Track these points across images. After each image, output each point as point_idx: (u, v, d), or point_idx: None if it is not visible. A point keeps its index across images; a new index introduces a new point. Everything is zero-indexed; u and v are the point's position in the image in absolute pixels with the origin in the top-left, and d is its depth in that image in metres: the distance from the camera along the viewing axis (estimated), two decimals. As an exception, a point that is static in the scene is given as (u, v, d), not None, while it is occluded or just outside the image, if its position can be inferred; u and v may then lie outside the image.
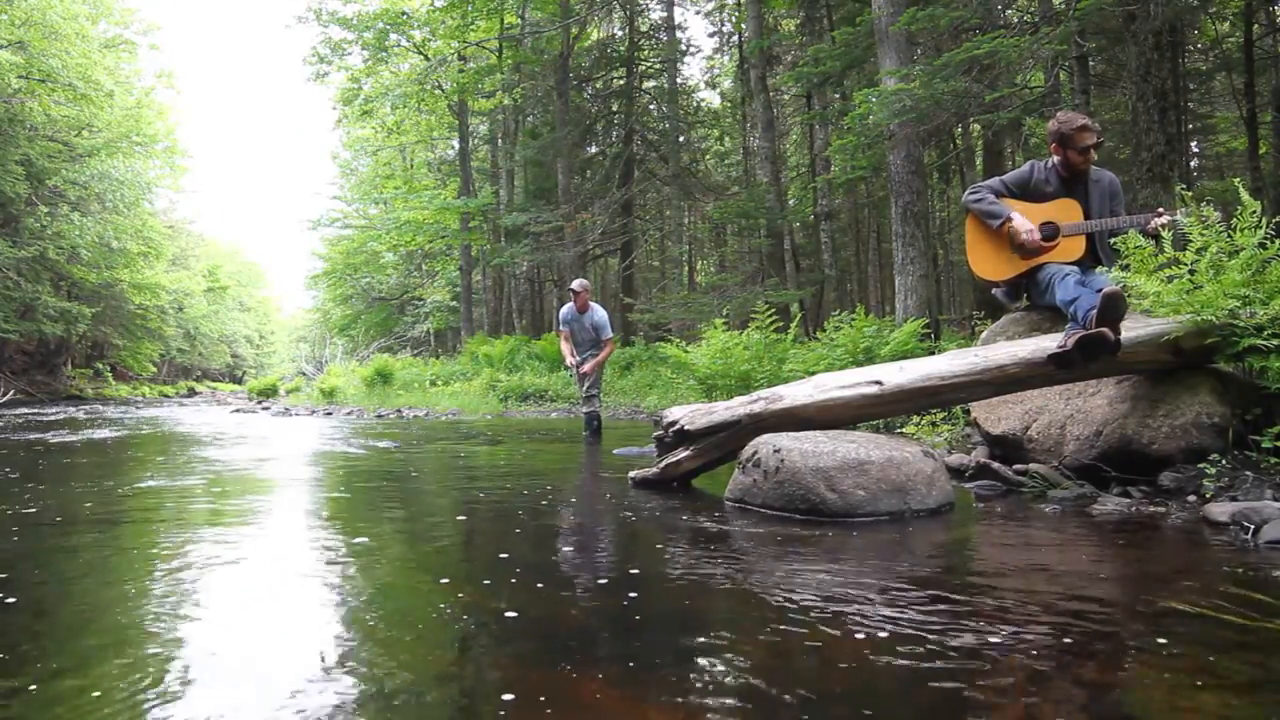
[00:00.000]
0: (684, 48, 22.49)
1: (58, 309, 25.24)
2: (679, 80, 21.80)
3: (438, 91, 22.10)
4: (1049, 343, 3.15)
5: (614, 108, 22.11)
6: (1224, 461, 2.91)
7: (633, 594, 1.95)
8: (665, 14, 21.16)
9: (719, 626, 1.67)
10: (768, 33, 16.72)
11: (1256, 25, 11.29)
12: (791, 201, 18.77)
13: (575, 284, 6.81)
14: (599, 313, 6.81)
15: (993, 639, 1.53)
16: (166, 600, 1.87)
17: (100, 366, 33.88)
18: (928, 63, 8.51)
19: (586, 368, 6.72)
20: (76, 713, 1.25)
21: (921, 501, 2.85)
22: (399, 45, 21.78)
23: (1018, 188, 3.70)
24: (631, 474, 3.76)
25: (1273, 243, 3.02)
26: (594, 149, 22.85)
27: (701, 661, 1.45)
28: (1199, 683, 1.33)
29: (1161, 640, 1.53)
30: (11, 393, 22.17)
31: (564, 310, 6.95)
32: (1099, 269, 3.46)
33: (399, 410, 13.14)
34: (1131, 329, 3.10)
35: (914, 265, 9.21)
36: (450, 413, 12.62)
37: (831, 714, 1.21)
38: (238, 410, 15.95)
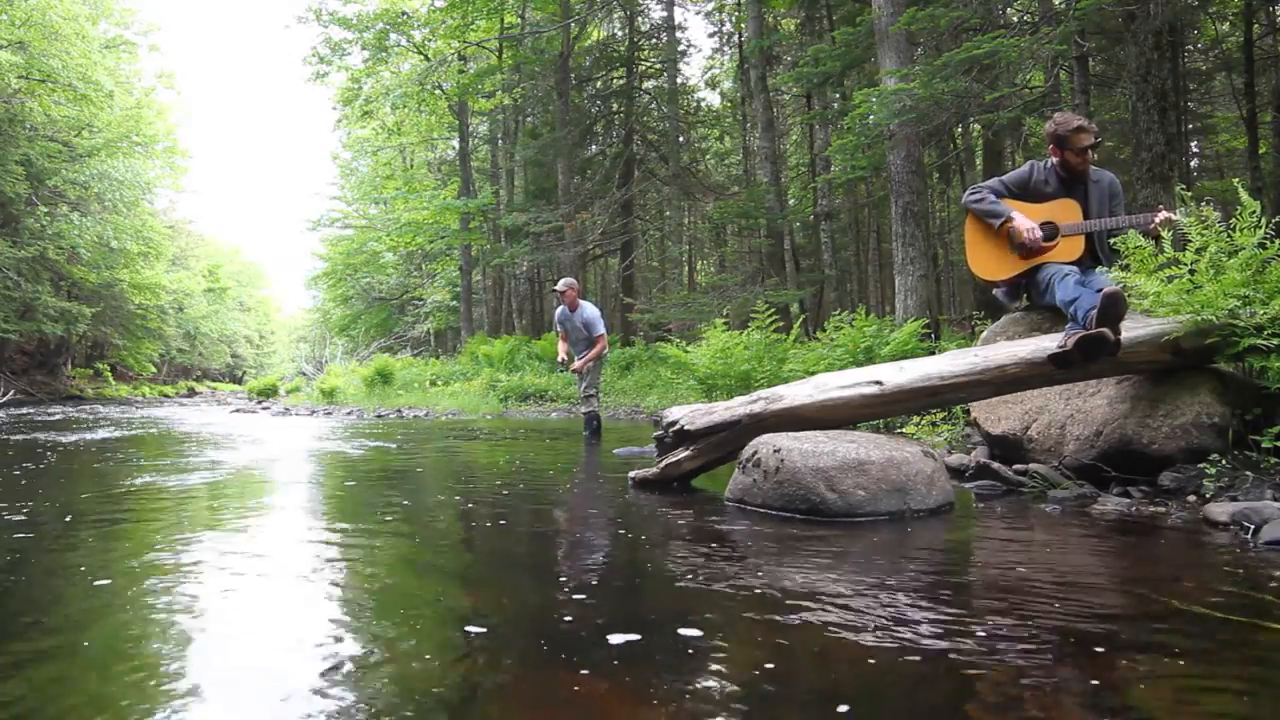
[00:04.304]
0: (684, 48, 22.52)
1: (58, 309, 25.24)
2: (679, 80, 21.79)
3: (438, 92, 22.08)
4: (1049, 343, 3.14)
5: (614, 108, 22.12)
6: (1224, 461, 2.91)
7: (632, 594, 1.95)
8: (665, 14, 21.17)
9: (719, 626, 1.67)
10: (768, 33, 16.70)
11: (1256, 25, 11.30)
12: (791, 201, 18.77)
13: (560, 284, 6.91)
14: (589, 310, 6.87)
15: (993, 639, 1.53)
16: (166, 600, 1.87)
17: (100, 366, 33.90)
18: (928, 63, 8.51)
19: (577, 365, 6.78)
20: (74, 714, 1.25)
21: (921, 501, 2.85)
22: (399, 45, 21.76)
23: (1017, 188, 3.70)
24: (631, 474, 3.76)
25: (1273, 243, 3.02)
26: (594, 149, 22.84)
27: (702, 661, 1.45)
28: (1199, 683, 1.33)
29: (1162, 640, 1.53)
30: (12, 393, 22.17)
31: (558, 310, 7.05)
32: (1099, 269, 3.46)
33: (399, 410, 13.14)
34: (1131, 329, 3.10)
35: (914, 265, 9.21)
36: (450, 413, 12.62)
37: (833, 714, 1.21)
38: (238, 410, 15.95)
